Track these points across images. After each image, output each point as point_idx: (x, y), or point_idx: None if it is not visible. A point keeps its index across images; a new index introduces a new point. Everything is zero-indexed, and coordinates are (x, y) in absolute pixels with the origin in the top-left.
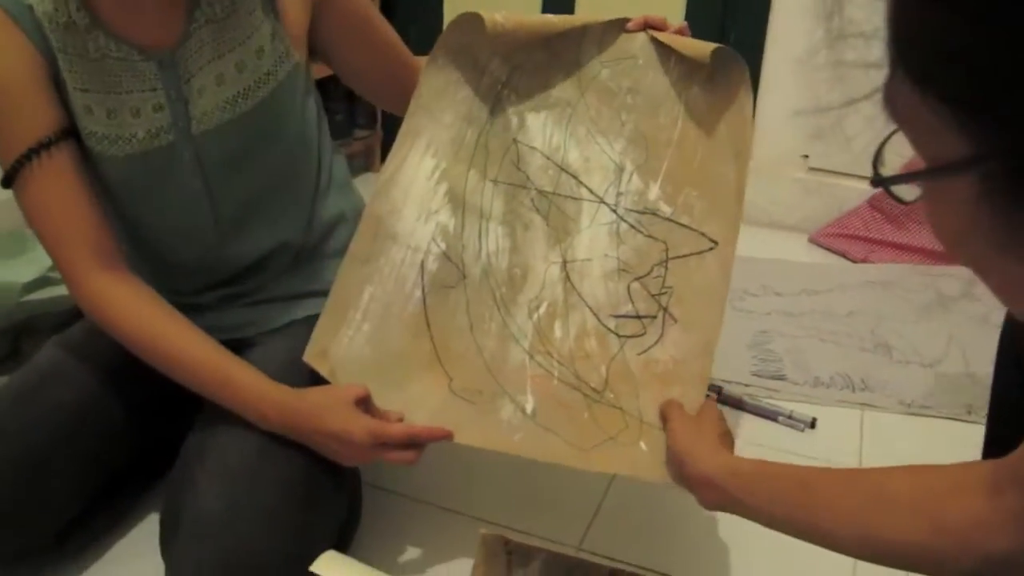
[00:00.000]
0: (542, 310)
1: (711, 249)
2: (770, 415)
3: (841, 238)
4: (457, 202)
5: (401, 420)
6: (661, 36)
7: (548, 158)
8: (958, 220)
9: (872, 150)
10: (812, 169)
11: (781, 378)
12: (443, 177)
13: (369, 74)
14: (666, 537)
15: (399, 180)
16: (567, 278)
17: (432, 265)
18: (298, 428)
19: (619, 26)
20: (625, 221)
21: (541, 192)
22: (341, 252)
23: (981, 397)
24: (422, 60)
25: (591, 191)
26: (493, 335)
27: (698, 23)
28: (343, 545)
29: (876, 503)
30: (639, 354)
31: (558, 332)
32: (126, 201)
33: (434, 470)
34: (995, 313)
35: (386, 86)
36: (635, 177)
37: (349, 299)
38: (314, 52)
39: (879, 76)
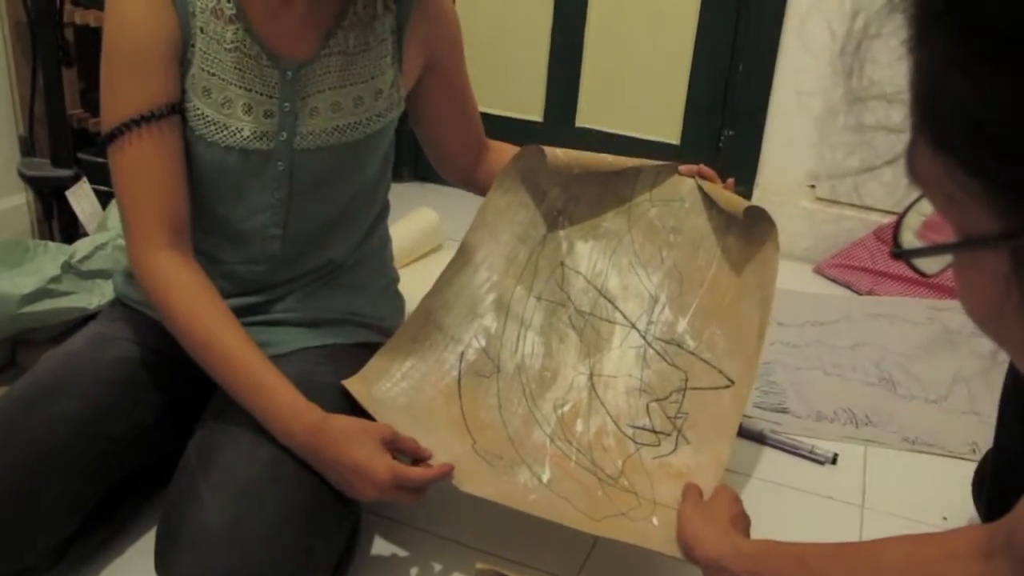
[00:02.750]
0: (566, 408)
1: (727, 387)
2: (790, 449)
3: (847, 269)
4: (502, 310)
5: (430, 456)
6: (707, 187)
7: (590, 282)
8: (989, 295)
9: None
10: (819, 199)
11: (783, 411)
12: (493, 288)
13: (445, 140)
14: (662, 572)
15: (453, 284)
16: (592, 387)
17: (471, 356)
18: (320, 451)
19: (672, 169)
20: (652, 348)
21: (579, 311)
22: (357, 287)
23: (986, 435)
24: (494, 143)
25: (625, 316)
26: (519, 416)
27: (708, 55)
28: (340, 571)
29: None
30: (654, 458)
31: (579, 427)
32: (209, 189)
33: (434, 498)
34: (1002, 352)
35: (455, 156)
36: (667, 309)
37: (393, 361)
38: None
39: (901, 141)
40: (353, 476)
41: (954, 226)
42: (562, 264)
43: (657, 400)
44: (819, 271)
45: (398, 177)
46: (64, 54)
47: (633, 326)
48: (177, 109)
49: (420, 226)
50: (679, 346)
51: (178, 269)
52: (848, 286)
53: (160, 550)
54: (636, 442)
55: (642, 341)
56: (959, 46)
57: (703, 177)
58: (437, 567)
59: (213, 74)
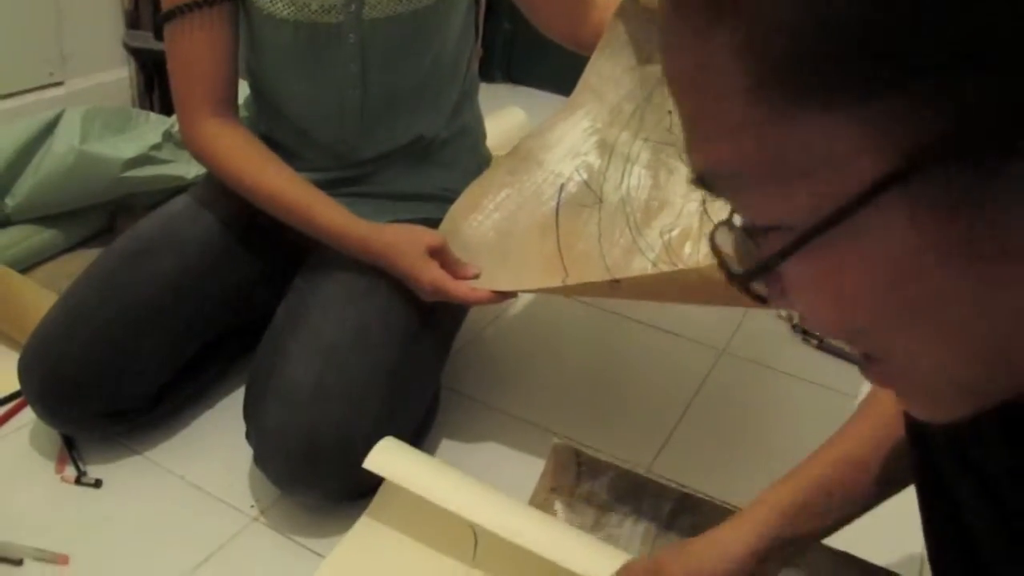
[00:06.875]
0: (674, 233)
1: None
2: None
3: None
4: (605, 149)
5: (477, 276)
6: None
7: None
8: (890, 262)
9: None
10: None
11: None
12: (596, 132)
13: (542, 2)
14: (735, 470)
15: (555, 128)
16: (705, 211)
17: (572, 188)
18: (377, 262)
19: None
20: None
21: None
22: (450, 164)
23: None
24: (600, 0)
25: None
26: (620, 247)
27: None
28: (417, 441)
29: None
30: None
31: (687, 250)
32: (283, 68)
33: (513, 381)
34: None
35: (556, 16)
36: None
37: (486, 192)
38: None
39: None
40: (406, 283)
41: (796, 212)
42: (670, 112)
43: None
44: None
45: (489, 78)
46: None
47: None
48: None
49: (509, 124)
50: None
51: (223, 134)
52: None
53: (249, 400)
54: None
55: None
56: None
57: None
58: (511, 443)
59: None
